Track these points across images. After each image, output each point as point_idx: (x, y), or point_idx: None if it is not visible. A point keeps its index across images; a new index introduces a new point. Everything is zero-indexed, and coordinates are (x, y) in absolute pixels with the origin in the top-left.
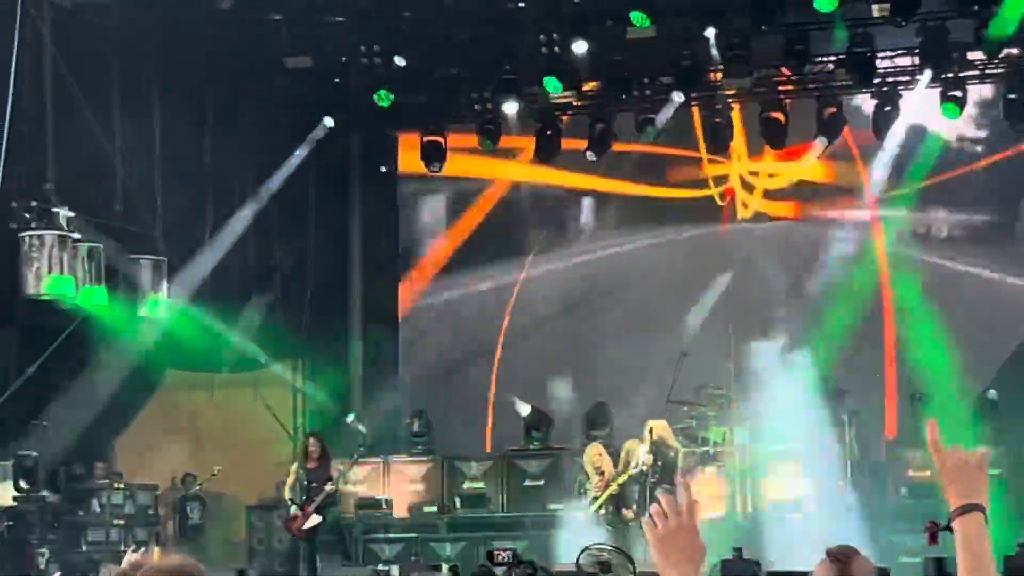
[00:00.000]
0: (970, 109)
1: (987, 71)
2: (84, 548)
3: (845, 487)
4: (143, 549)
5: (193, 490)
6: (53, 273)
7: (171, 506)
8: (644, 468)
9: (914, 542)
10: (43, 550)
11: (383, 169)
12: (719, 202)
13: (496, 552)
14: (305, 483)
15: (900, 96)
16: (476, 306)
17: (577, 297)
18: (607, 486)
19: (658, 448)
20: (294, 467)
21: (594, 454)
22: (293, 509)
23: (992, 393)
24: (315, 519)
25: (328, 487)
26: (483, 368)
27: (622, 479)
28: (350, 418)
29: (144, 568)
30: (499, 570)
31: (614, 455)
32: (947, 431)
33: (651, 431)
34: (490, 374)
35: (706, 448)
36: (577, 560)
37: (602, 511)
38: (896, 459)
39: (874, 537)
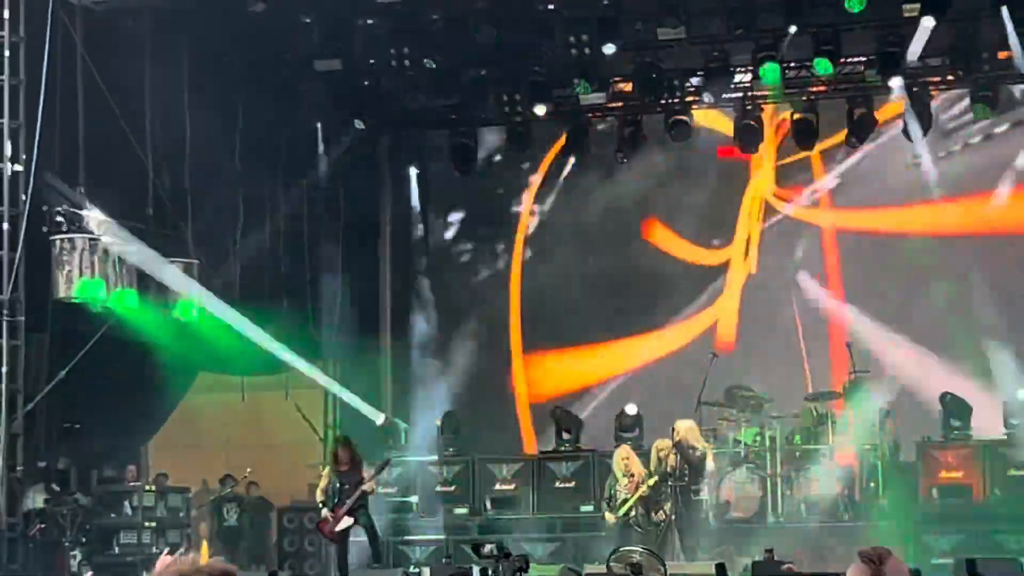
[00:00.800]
0: None
1: (1019, 71)
2: (116, 550)
3: (877, 488)
4: (179, 552)
5: (227, 490)
6: (84, 276)
7: (203, 508)
8: (669, 469)
9: (946, 543)
10: (75, 552)
11: (413, 173)
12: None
13: (482, 544)
14: (337, 486)
15: (931, 96)
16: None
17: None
18: (636, 488)
19: (682, 449)
20: (326, 470)
21: (623, 456)
22: (325, 512)
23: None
24: (346, 521)
25: (362, 488)
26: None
27: (652, 481)
28: (380, 419)
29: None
30: (486, 562)
31: (643, 457)
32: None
33: (675, 432)
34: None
35: (737, 449)
36: (608, 562)
37: (632, 513)
38: (928, 460)
39: (906, 538)
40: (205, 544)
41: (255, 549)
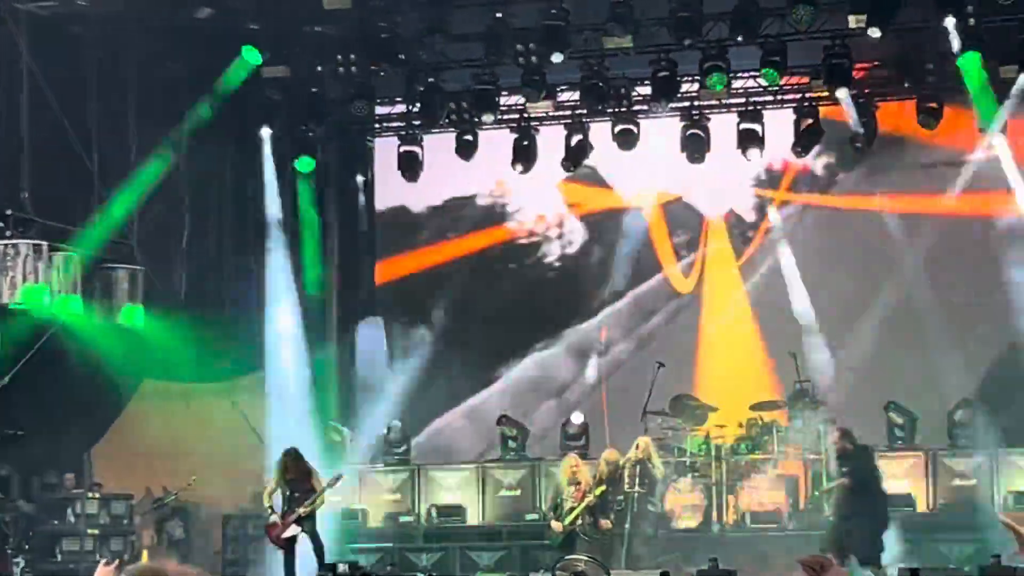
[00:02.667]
0: None
1: (964, 82)
2: (59, 558)
3: (821, 498)
4: (116, 561)
5: (168, 501)
6: (28, 282)
7: (147, 516)
8: (627, 483)
9: (889, 553)
10: (18, 559)
11: (360, 179)
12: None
13: (337, 563)
14: (287, 493)
15: (877, 107)
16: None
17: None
18: (583, 497)
19: (643, 464)
20: (275, 476)
21: (571, 465)
22: (273, 517)
23: (960, 415)
24: (294, 529)
25: (306, 508)
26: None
27: (599, 490)
28: (328, 426)
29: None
30: None
31: (591, 466)
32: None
33: (637, 447)
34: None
35: (682, 459)
36: (553, 570)
37: (578, 522)
38: None
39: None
40: (145, 554)
41: (197, 557)
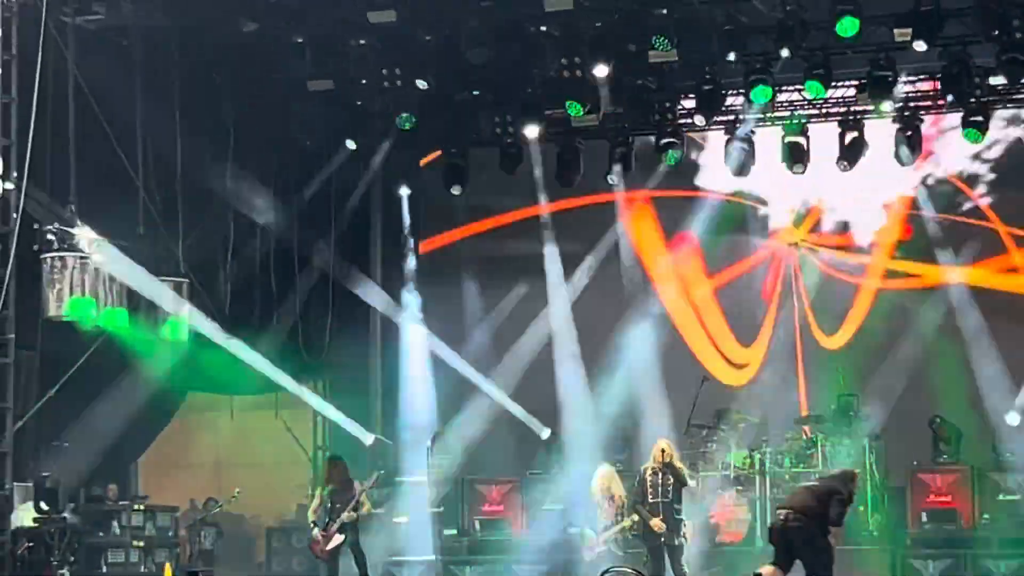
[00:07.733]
0: None
1: (1010, 95)
2: (104, 570)
3: (866, 512)
4: None
5: (213, 512)
6: (75, 295)
7: (190, 528)
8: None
9: (935, 568)
10: (63, 571)
11: (404, 193)
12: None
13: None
14: (329, 505)
15: (921, 121)
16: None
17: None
18: (619, 516)
19: (672, 468)
20: (319, 490)
21: (604, 478)
22: (316, 532)
23: (1013, 416)
24: (337, 539)
25: (349, 513)
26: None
27: (636, 516)
28: (370, 439)
29: None
30: None
31: (631, 479)
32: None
33: (663, 452)
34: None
35: (727, 472)
36: None
37: (618, 538)
38: (917, 484)
39: (894, 563)
40: (168, 568)
41: (229, 569)
